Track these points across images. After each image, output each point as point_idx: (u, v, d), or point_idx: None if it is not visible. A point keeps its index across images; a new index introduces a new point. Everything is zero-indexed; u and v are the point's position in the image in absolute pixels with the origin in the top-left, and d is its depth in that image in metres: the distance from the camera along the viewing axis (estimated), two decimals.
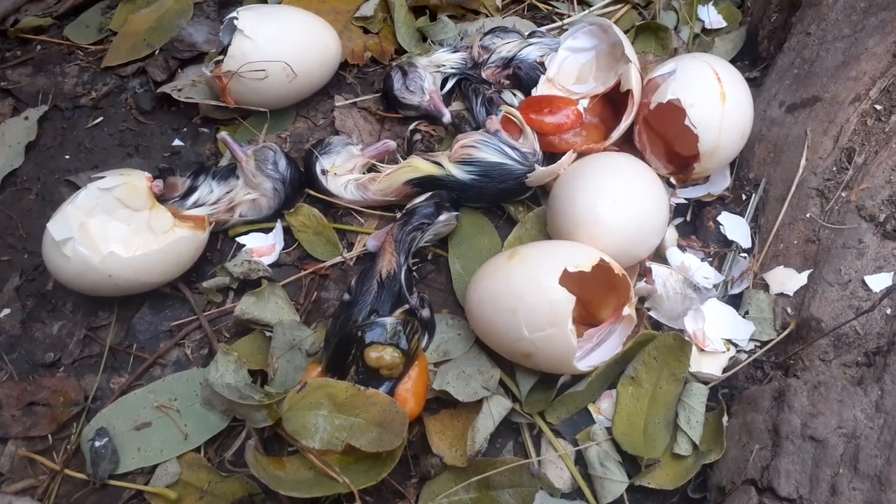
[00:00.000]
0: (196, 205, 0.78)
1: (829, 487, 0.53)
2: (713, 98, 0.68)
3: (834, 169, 0.67)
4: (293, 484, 0.61)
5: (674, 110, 0.69)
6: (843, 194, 0.66)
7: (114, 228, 0.73)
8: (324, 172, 0.79)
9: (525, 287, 0.62)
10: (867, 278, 0.61)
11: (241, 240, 0.80)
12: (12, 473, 0.68)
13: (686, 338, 0.65)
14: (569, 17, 0.94)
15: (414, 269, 0.75)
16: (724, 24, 0.93)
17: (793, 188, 0.68)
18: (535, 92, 0.81)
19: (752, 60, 0.88)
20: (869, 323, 0.60)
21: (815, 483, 0.53)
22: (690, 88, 0.69)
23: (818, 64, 0.72)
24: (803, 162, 0.68)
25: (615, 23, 0.92)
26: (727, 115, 0.68)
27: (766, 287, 0.67)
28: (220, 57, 0.83)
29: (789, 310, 0.65)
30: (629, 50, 0.74)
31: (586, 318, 0.70)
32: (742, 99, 0.70)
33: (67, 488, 0.67)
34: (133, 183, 0.74)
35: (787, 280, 0.66)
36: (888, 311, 0.60)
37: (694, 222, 0.76)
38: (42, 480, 0.67)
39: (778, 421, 0.56)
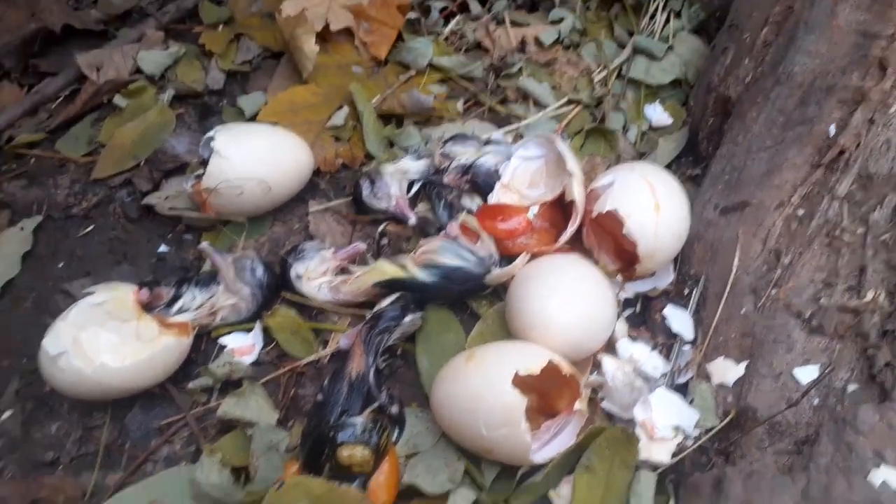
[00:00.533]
0: (180, 311, 0.84)
1: None
2: (647, 208, 0.75)
3: (764, 268, 0.74)
4: None
5: (614, 218, 0.76)
6: (773, 292, 0.72)
7: (104, 339, 0.78)
8: (298, 277, 0.85)
9: (481, 389, 0.67)
10: (796, 371, 0.67)
11: (222, 340, 0.85)
12: None
13: (636, 427, 0.70)
14: (525, 119, 1.01)
15: (384, 365, 0.81)
16: (670, 121, 1.01)
17: (728, 286, 0.74)
18: (492, 196, 0.88)
19: (695, 158, 0.95)
20: (799, 413, 0.65)
21: None
22: (627, 200, 0.76)
23: (745, 172, 0.79)
24: (736, 262, 0.75)
25: (567, 124, 1.00)
26: (661, 222, 0.75)
27: (708, 377, 0.73)
28: (201, 171, 0.89)
29: (729, 398, 0.70)
30: (571, 163, 0.82)
31: (545, 409, 0.75)
32: (675, 206, 0.77)
33: None
34: (121, 296, 0.80)
35: (726, 371, 0.71)
36: (815, 402, 0.65)
37: (643, 314, 0.82)
38: None
39: None
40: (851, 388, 0.64)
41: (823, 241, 0.71)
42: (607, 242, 0.83)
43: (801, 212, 0.74)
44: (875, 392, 0.62)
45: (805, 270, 0.71)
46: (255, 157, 0.88)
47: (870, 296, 0.66)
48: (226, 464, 0.72)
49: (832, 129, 0.75)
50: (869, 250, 0.68)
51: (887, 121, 0.73)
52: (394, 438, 0.75)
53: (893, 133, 0.73)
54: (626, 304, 0.83)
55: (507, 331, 0.79)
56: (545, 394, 0.76)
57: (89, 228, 0.98)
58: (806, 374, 0.66)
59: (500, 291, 0.84)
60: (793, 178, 0.75)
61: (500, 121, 1.04)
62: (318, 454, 0.71)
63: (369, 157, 0.99)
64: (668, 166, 0.95)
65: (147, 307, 0.82)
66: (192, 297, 0.85)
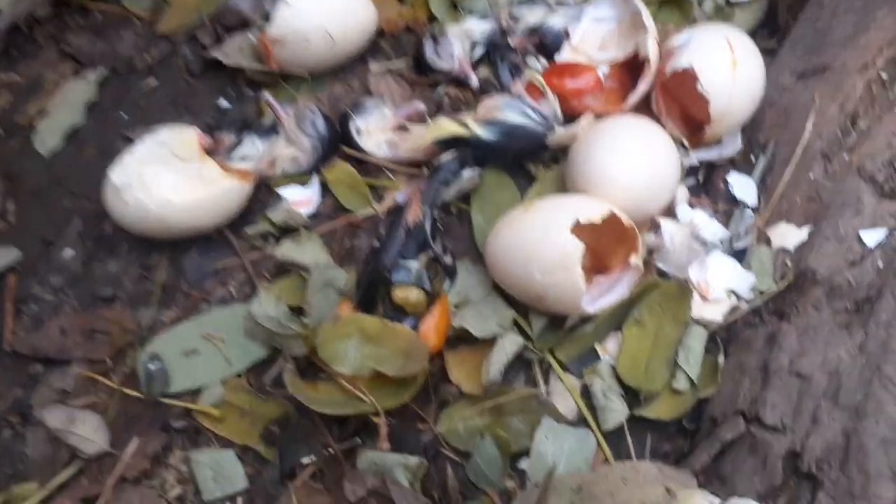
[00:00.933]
0: (241, 159, 0.85)
1: (810, 417, 0.57)
2: (725, 66, 0.72)
3: (838, 133, 0.71)
4: (325, 403, 0.68)
5: (687, 77, 0.74)
6: (846, 157, 0.69)
7: (168, 177, 0.79)
8: (358, 132, 0.85)
9: (539, 236, 0.67)
10: (862, 233, 0.65)
11: (281, 192, 0.86)
12: (76, 391, 0.76)
13: (690, 286, 0.70)
14: None
15: (439, 220, 0.81)
16: None
17: (799, 150, 0.72)
18: (559, 59, 0.85)
19: (771, 31, 0.90)
20: (861, 274, 0.64)
21: (798, 413, 0.58)
22: (704, 57, 0.73)
23: (829, 34, 0.76)
24: (810, 125, 0.72)
25: None
26: (738, 82, 0.72)
27: (768, 242, 0.71)
28: (266, 23, 0.89)
29: (789, 263, 0.69)
30: (647, 19, 0.79)
31: (598, 268, 0.75)
32: (753, 67, 0.74)
33: (124, 405, 0.75)
34: (184, 137, 0.82)
35: (788, 235, 0.70)
36: (880, 265, 0.64)
37: (706, 183, 0.80)
38: (102, 398, 0.75)
39: (768, 359, 0.61)
40: None
41: None
42: (675, 110, 0.81)
43: (884, 75, 0.70)
44: None
45: (882, 135, 0.68)
46: (321, 8, 0.87)
47: None
48: (282, 298, 0.74)
49: None
50: None
51: None
52: (445, 286, 0.76)
53: None
54: (690, 172, 0.81)
55: (564, 191, 0.79)
56: (600, 253, 0.75)
57: (153, 82, 0.99)
58: (873, 236, 0.65)
59: (558, 156, 0.83)
60: (879, 40, 0.72)
61: None
62: (372, 294, 0.73)
63: (433, 19, 0.97)
64: None
65: (209, 152, 0.83)
66: (253, 146, 0.86)
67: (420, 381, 0.68)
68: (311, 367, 0.72)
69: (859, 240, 0.65)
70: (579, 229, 0.66)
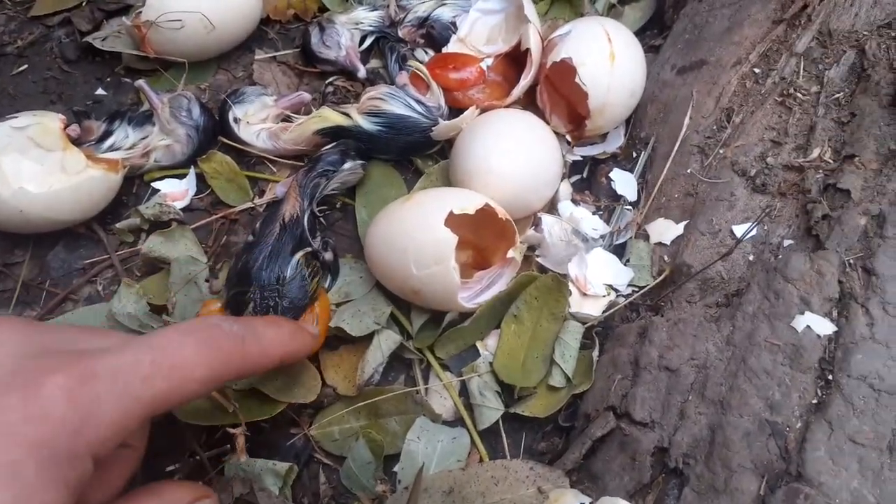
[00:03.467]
0: (111, 149, 0.80)
1: (678, 412, 0.57)
2: (603, 58, 0.72)
3: (714, 128, 0.71)
4: (188, 412, 0.64)
5: (567, 69, 0.73)
6: (721, 151, 0.70)
7: (26, 167, 0.73)
8: (236, 120, 0.81)
9: (415, 227, 0.65)
10: (734, 227, 0.66)
11: (155, 185, 0.82)
12: None
13: (568, 281, 0.69)
14: None
15: (322, 215, 0.78)
16: None
17: (676, 145, 0.72)
18: (446, 51, 0.84)
19: (659, 29, 0.91)
20: (733, 268, 0.64)
21: (666, 408, 0.57)
22: (582, 48, 0.72)
23: (707, 29, 0.76)
24: (687, 121, 0.72)
25: None
26: (616, 75, 0.72)
27: (647, 237, 0.71)
28: (142, 7, 0.85)
29: (666, 258, 0.69)
30: (529, 11, 0.77)
31: (482, 265, 0.73)
32: (632, 59, 0.74)
33: None
34: (46, 123, 0.76)
35: (665, 230, 0.70)
36: (750, 258, 0.64)
37: (590, 179, 0.80)
38: None
39: (639, 354, 0.60)
40: (788, 243, 0.62)
41: (776, 100, 0.69)
42: (560, 105, 0.80)
43: (757, 70, 0.71)
44: (810, 245, 0.60)
45: (755, 129, 0.69)
46: None
47: (816, 153, 0.64)
48: (143, 296, 0.70)
49: None
50: (820, 109, 0.66)
51: None
52: (326, 285, 0.73)
53: None
54: (574, 168, 0.80)
55: (450, 185, 0.77)
56: (483, 249, 0.74)
57: (23, 67, 0.93)
58: (743, 230, 0.65)
59: (446, 150, 0.81)
60: (753, 35, 0.72)
61: None
62: (242, 293, 0.69)
63: (323, 9, 0.94)
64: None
65: (76, 142, 0.78)
66: (125, 135, 0.81)
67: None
68: None
69: (732, 234, 0.66)
70: (453, 221, 0.65)
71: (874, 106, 0.64)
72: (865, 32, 0.68)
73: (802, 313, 0.56)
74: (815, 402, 0.53)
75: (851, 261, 0.57)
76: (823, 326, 0.55)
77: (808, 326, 0.55)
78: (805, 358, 0.54)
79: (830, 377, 0.53)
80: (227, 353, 0.47)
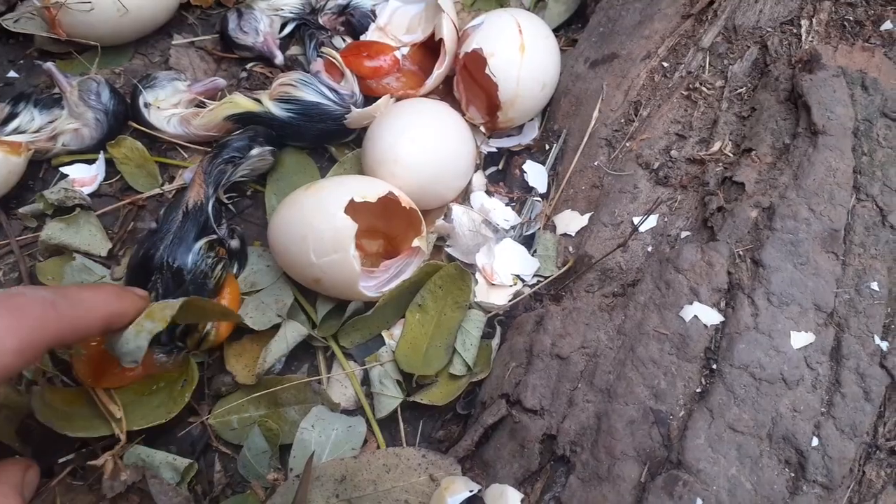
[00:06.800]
0: (16, 132, 0.78)
1: (567, 399, 0.57)
2: (513, 48, 0.72)
3: (622, 121, 0.72)
4: (68, 420, 0.61)
5: (479, 60, 0.73)
6: (627, 144, 0.70)
7: None
8: (146, 105, 0.79)
9: (315, 215, 0.64)
10: (635, 219, 0.66)
11: (64, 170, 0.80)
12: None
13: (475, 271, 0.69)
14: None
15: (231, 202, 0.77)
16: None
17: (585, 138, 0.72)
18: (364, 39, 0.83)
19: (583, 23, 0.91)
20: (632, 259, 0.64)
21: (556, 395, 0.57)
22: (493, 39, 0.72)
23: (619, 22, 0.77)
24: (596, 114, 0.73)
25: None
26: (525, 65, 0.72)
27: (554, 228, 0.71)
28: None
29: (571, 248, 0.69)
30: (444, 1, 0.77)
31: (392, 254, 0.73)
32: (543, 50, 0.74)
33: None
34: None
35: (571, 222, 0.70)
36: (649, 249, 0.64)
37: (505, 170, 0.80)
38: None
39: (533, 342, 0.60)
40: (685, 234, 0.63)
41: (683, 94, 0.69)
42: (477, 95, 0.80)
43: (666, 64, 0.72)
44: (705, 236, 0.61)
45: (661, 123, 0.69)
46: None
47: (717, 146, 0.64)
48: None
49: None
50: (724, 103, 0.67)
51: None
52: (234, 272, 0.72)
53: None
54: (490, 160, 0.80)
55: (362, 174, 0.76)
56: (392, 238, 0.73)
57: None
58: (645, 222, 0.65)
59: (363, 138, 0.80)
60: (662, 29, 0.73)
61: None
62: (144, 281, 0.67)
63: None
64: (556, 30, 0.91)
65: None
66: (31, 118, 0.79)
67: (188, 392, 0.64)
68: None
69: (632, 225, 0.66)
70: (357, 208, 0.64)
71: (772, 101, 0.65)
72: (769, 29, 0.69)
73: (691, 303, 0.56)
74: (698, 390, 0.54)
75: (741, 252, 0.58)
76: (710, 316, 0.56)
77: (696, 316, 0.56)
78: (691, 347, 0.55)
79: (714, 366, 0.54)
80: (37, 319, 0.46)
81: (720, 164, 0.65)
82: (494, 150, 0.79)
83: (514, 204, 0.76)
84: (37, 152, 0.78)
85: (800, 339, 0.53)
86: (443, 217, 0.73)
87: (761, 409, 0.51)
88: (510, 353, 0.62)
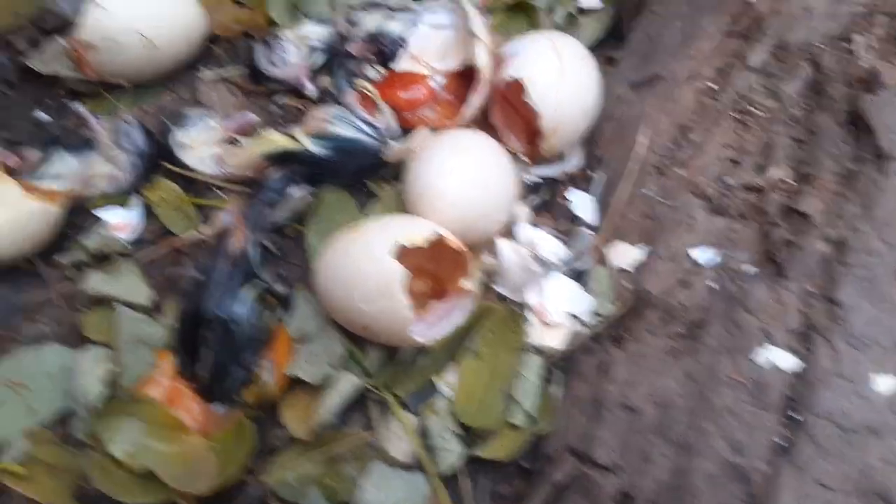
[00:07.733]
0: (55, 178, 0.77)
1: (640, 454, 0.55)
2: (551, 74, 0.70)
3: (670, 146, 0.69)
4: (121, 487, 0.61)
5: (517, 88, 0.70)
6: (678, 171, 0.68)
7: None
8: (180, 146, 0.78)
9: (361, 259, 0.63)
10: (694, 252, 0.64)
11: (100, 214, 0.78)
12: None
13: (527, 311, 0.67)
14: None
15: (274, 245, 0.75)
16: (601, 5, 0.94)
17: (635, 165, 0.70)
18: (396, 67, 0.81)
19: (619, 41, 0.89)
20: (693, 296, 0.62)
21: (628, 450, 0.55)
22: (531, 65, 0.70)
23: (660, 42, 0.74)
24: (641, 139, 0.70)
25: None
26: (566, 92, 0.70)
27: (607, 262, 0.69)
28: (77, 26, 0.81)
29: (627, 284, 0.67)
30: (477, 26, 0.74)
31: (440, 293, 0.71)
32: (583, 75, 0.71)
33: None
34: None
35: (625, 255, 0.68)
36: (712, 284, 0.62)
37: (550, 200, 0.77)
38: None
39: (599, 391, 0.58)
40: (748, 269, 0.60)
41: (733, 117, 0.67)
42: (516, 123, 0.77)
43: (712, 85, 0.69)
44: (771, 272, 0.59)
45: (713, 148, 0.67)
46: (138, 9, 0.80)
47: (774, 173, 0.62)
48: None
49: None
50: (778, 126, 0.64)
51: None
52: (283, 318, 0.70)
53: None
54: (534, 189, 0.78)
55: (404, 210, 0.74)
56: (439, 278, 0.71)
57: None
58: (703, 255, 0.63)
59: (400, 171, 0.78)
60: (707, 48, 0.70)
61: None
62: (193, 340, 0.67)
63: (273, 24, 0.91)
64: (592, 49, 0.88)
65: (13, 173, 0.75)
66: (64, 164, 0.78)
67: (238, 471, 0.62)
68: None
69: (691, 259, 0.64)
70: (406, 254, 0.62)
71: (831, 123, 0.62)
72: (821, 45, 0.66)
73: (764, 346, 0.54)
74: (780, 441, 0.51)
75: (813, 290, 0.55)
76: (786, 361, 0.53)
77: (771, 361, 0.53)
78: (768, 394, 0.53)
79: (795, 415, 0.52)
80: None
81: (780, 192, 0.62)
82: (538, 179, 0.77)
83: (561, 236, 0.74)
84: (73, 199, 0.77)
85: (884, 382, 0.51)
86: (488, 253, 0.71)
87: (849, 462, 0.49)
88: (575, 402, 0.60)
